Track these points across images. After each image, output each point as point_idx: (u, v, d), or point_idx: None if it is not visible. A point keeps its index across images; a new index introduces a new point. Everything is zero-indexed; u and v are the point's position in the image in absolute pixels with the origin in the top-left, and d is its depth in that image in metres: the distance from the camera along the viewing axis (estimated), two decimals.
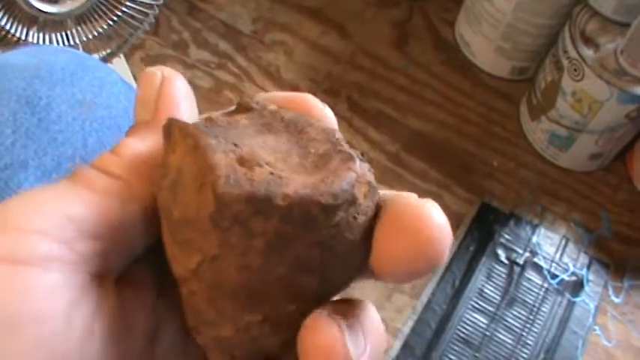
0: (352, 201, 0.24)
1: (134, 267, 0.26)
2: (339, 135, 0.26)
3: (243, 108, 0.27)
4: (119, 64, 1.10)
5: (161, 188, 0.25)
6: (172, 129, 0.25)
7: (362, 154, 0.25)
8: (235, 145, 0.24)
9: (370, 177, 0.25)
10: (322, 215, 0.23)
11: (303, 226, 0.23)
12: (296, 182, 0.23)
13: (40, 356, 0.22)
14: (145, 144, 0.26)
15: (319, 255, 0.24)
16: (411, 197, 0.25)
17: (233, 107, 0.27)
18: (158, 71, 0.28)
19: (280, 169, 0.24)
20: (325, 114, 0.28)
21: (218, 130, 0.25)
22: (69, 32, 0.96)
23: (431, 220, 0.24)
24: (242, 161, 0.23)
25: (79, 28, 0.96)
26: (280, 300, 0.24)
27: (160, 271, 0.27)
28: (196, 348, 0.27)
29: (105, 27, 0.99)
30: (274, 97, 0.28)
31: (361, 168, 0.24)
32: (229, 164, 0.23)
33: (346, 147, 0.25)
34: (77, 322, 0.23)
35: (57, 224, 0.23)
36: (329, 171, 0.24)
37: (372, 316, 0.26)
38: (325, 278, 0.24)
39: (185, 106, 0.28)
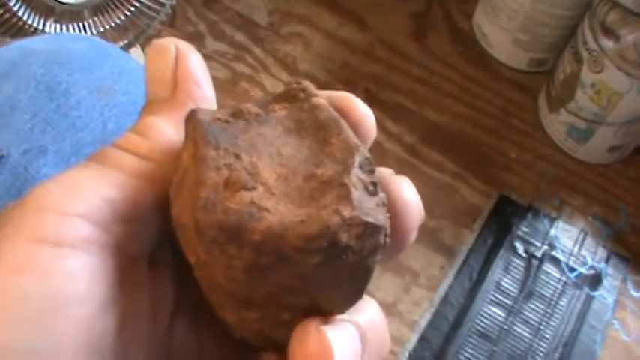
0: (333, 244, 0.23)
1: (157, 248, 0.27)
2: (359, 157, 0.25)
3: (289, 96, 0.26)
4: (135, 55, 1.10)
5: (172, 182, 0.25)
6: (188, 123, 0.25)
7: (374, 185, 0.24)
8: (237, 156, 0.24)
9: (375, 214, 0.24)
10: (297, 255, 0.23)
11: (278, 260, 0.23)
12: (274, 216, 0.23)
13: (82, 337, 0.22)
14: (169, 124, 0.26)
15: (302, 285, 0.23)
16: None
17: (282, 90, 0.27)
18: (171, 44, 0.27)
19: (268, 195, 0.23)
20: (363, 115, 0.27)
21: (230, 134, 0.25)
22: (86, 23, 0.96)
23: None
24: (228, 183, 0.23)
25: (95, 19, 0.96)
26: (273, 309, 0.24)
27: (177, 252, 0.27)
28: (208, 329, 0.28)
29: (122, 18, 0.98)
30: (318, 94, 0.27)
31: (362, 204, 0.23)
32: (214, 185, 0.23)
33: (354, 179, 0.24)
34: (116, 304, 0.23)
35: (96, 207, 0.23)
36: (318, 207, 0.23)
37: (373, 319, 0.26)
38: (315, 300, 0.24)
39: (206, 84, 0.27)
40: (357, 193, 0.23)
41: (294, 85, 0.27)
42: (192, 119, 0.25)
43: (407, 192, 0.26)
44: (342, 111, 0.26)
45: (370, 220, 0.23)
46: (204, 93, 0.27)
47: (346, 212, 0.23)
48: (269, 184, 0.24)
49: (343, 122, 0.26)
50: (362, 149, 0.25)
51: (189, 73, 0.27)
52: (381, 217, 0.24)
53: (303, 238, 0.22)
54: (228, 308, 0.25)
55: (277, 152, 0.25)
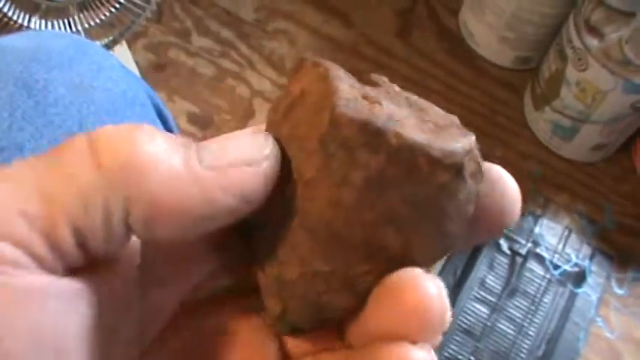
0: (459, 169, 0.23)
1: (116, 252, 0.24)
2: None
3: (370, 82, 0.26)
4: (121, 51, 1.10)
5: (276, 111, 0.25)
6: (305, 62, 0.25)
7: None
8: (362, 87, 0.24)
9: (480, 162, 0.24)
10: (427, 168, 0.22)
11: (406, 173, 0.22)
12: (412, 129, 0.23)
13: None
14: (169, 160, 0.22)
15: (410, 214, 0.23)
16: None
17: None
18: (265, 153, 0.24)
19: (403, 121, 0.23)
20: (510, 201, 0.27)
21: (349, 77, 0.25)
22: (71, 19, 0.95)
23: None
24: (366, 97, 0.23)
25: (81, 15, 0.96)
26: (357, 254, 0.23)
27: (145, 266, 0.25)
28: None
29: (107, 14, 0.98)
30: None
31: (475, 149, 0.24)
32: (353, 94, 0.23)
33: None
34: (69, 321, 0.22)
35: (14, 224, 0.20)
36: (446, 134, 0.24)
37: None
38: (407, 245, 0.23)
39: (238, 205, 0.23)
40: (474, 146, 0.24)
41: (374, 76, 0.27)
42: (307, 59, 0.25)
43: (508, 177, 0.26)
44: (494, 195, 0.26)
45: (482, 163, 0.24)
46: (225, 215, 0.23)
47: (469, 146, 0.24)
48: (402, 117, 0.24)
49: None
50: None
51: (238, 183, 0.23)
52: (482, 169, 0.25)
53: (440, 151, 0.22)
54: (299, 257, 0.24)
55: (386, 105, 0.24)
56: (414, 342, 0.22)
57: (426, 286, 0.22)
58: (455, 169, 0.23)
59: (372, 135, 0.22)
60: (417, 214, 0.23)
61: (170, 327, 0.27)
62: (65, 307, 0.21)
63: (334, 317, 0.25)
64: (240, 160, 0.23)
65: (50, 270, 0.21)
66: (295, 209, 0.24)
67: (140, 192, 0.21)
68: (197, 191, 0.22)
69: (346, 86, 0.23)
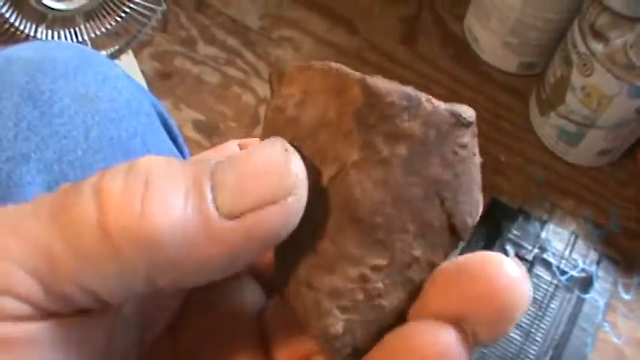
0: (474, 131, 0.24)
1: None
2: None
3: None
4: (128, 60, 1.10)
5: (275, 118, 0.24)
6: (284, 73, 0.24)
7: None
8: None
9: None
10: (455, 129, 0.23)
11: (441, 136, 0.22)
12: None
13: None
14: (186, 223, 0.20)
15: (452, 180, 0.23)
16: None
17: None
18: (291, 184, 0.21)
19: None
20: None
21: None
22: (77, 29, 0.96)
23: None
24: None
25: (87, 25, 0.96)
26: (408, 237, 0.22)
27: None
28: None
29: (113, 23, 0.99)
30: None
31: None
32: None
33: None
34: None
35: (19, 279, 0.20)
36: (450, 104, 0.24)
37: None
38: (450, 219, 0.23)
39: (266, 248, 0.22)
40: None
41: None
42: (285, 70, 0.24)
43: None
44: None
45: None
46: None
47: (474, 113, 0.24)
48: None
49: None
50: None
51: (262, 231, 0.21)
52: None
53: (460, 114, 0.23)
54: (349, 255, 0.22)
55: None
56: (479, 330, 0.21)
57: (507, 268, 0.21)
58: (472, 130, 0.23)
59: (408, 101, 0.22)
60: (456, 180, 0.23)
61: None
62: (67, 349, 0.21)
63: (387, 327, 0.23)
64: (263, 200, 0.20)
65: (52, 315, 0.21)
66: (331, 206, 0.22)
67: (156, 264, 0.20)
68: (218, 249, 0.20)
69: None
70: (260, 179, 0.21)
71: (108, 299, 0.21)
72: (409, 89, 0.22)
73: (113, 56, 1.02)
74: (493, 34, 1.25)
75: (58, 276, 0.20)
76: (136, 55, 1.18)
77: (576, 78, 1.09)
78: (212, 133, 1.17)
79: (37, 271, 0.20)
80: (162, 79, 1.21)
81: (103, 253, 0.20)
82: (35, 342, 0.20)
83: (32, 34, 0.91)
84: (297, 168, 0.21)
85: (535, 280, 1.08)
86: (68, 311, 0.21)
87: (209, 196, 0.20)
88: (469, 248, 1.09)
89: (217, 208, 0.20)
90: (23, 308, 0.20)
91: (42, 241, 0.20)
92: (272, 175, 0.21)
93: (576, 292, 1.08)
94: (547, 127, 1.19)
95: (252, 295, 0.28)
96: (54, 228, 0.20)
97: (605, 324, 1.07)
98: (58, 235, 0.20)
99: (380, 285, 0.22)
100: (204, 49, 1.26)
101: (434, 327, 0.21)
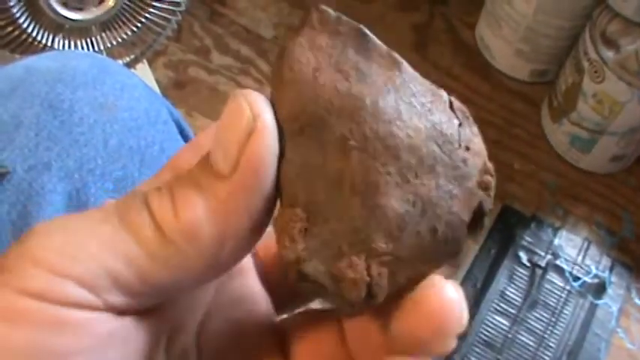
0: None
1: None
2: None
3: None
4: (142, 69, 1.11)
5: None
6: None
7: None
8: None
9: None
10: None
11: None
12: None
13: None
14: (209, 206, 0.24)
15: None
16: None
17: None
18: (247, 109, 0.24)
19: None
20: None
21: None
22: (94, 39, 0.97)
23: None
24: None
25: (103, 35, 0.98)
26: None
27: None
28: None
29: (129, 33, 1.00)
30: None
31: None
32: None
33: None
34: (108, 356, 0.23)
35: (94, 275, 0.23)
36: None
37: None
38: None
39: (269, 173, 0.24)
40: None
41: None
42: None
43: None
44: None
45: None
46: (262, 187, 0.24)
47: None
48: None
49: None
50: None
51: (257, 160, 0.24)
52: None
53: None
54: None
55: None
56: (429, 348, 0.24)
57: (445, 291, 0.24)
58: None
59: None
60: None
61: None
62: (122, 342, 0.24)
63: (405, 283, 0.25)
64: (243, 138, 0.24)
65: (111, 310, 0.23)
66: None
67: (203, 246, 0.24)
68: (236, 203, 0.24)
69: None
70: (231, 128, 0.24)
71: (173, 294, 0.25)
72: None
73: (128, 66, 1.03)
74: (505, 42, 1.25)
75: (130, 273, 0.23)
76: (150, 65, 1.19)
77: (588, 85, 1.09)
78: None
79: (111, 268, 0.23)
80: (176, 89, 1.22)
81: (168, 252, 0.23)
82: (87, 330, 0.22)
83: (49, 44, 0.92)
84: (249, 101, 0.24)
85: (548, 286, 1.09)
86: (127, 308, 0.24)
87: (211, 174, 0.24)
88: (481, 255, 1.10)
89: (221, 174, 0.24)
90: (85, 296, 0.22)
91: (118, 243, 0.23)
92: (236, 118, 0.24)
93: (589, 298, 1.08)
94: (559, 134, 1.20)
95: (267, 304, 0.30)
96: (126, 232, 0.23)
97: (619, 329, 1.07)
98: (131, 239, 0.23)
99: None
100: (218, 59, 1.27)
101: None
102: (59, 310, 0.22)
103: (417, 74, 0.26)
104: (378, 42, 0.26)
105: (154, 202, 0.24)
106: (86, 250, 0.23)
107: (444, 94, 0.26)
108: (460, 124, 0.26)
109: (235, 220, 0.24)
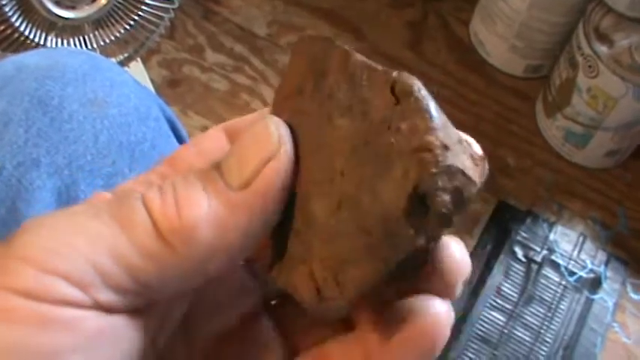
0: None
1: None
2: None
3: None
4: (136, 67, 1.11)
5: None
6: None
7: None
8: None
9: None
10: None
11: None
12: None
13: None
14: (211, 212, 0.24)
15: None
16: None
17: None
18: (275, 135, 0.25)
19: None
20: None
21: None
22: (86, 37, 0.97)
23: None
24: None
25: (96, 33, 0.97)
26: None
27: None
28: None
29: (122, 31, 1.00)
30: None
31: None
32: None
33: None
34: (97, 354, 0.23)
35: (82, 271, 0.22)
36: None
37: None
38: None
39: (277, 201, 0.25)
40: None
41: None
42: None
43: (454, 249, 0.27)
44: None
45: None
46: (264, 215, 0.25)
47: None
48: None
49: None
50: None
51: (270, 188, 0.24)
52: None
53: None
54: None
55: None
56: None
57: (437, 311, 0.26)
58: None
59: None
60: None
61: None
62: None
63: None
64: (262, 161, 0.24)
65: (100, 308, 0.23)
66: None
67: (200, 251, 0.24)
68: (240, 217, 0.24)
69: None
70: (254, 148, 0.25)
71: (158, 295, 0.24)
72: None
73: (122, 64, 1.03)
74: (499, 38, 1.25)
75: (119, 270, 0.23)
76: (144, 63, 1.19)
77: (582, 80, 1.09)
78: None
79: (100, 265, 0.23)
80: (170, 87, 1.22)
81: (162, 251, 0.23)
82: (76, 328, 0.22)
83: (42, 42, 0.92)
84: (276, 128, 0.25)
85: (544, 281, 1.09)
86: (115, 306, 0.23)
87: (220, 183, 0.24)
88: (477, 250, 1.10)
89: (230, 186, 0.24)
90: (73, 293, 0.22)
91: (108, 239, 0.23)
92: (261, 141, 0.25)
93: (585, 292, 1.09)
94: (554, 129, 1.20)
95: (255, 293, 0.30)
96: (118, 229, 0.23)
97: (615, 324, 1.07)
98: (123, 235, 0.23)
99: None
100: (211, 57, 1.27)
101: None
102: (48, 307, 0.22)
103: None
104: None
105: (154, 198, 0.24)
106: (74, 246, 0.23)
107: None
108: (397, 103, 0.24)
109: (232, 235, 0.24)
